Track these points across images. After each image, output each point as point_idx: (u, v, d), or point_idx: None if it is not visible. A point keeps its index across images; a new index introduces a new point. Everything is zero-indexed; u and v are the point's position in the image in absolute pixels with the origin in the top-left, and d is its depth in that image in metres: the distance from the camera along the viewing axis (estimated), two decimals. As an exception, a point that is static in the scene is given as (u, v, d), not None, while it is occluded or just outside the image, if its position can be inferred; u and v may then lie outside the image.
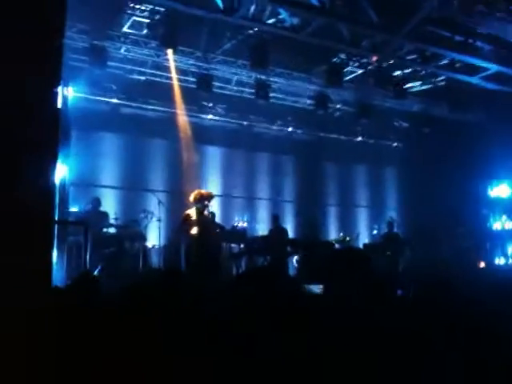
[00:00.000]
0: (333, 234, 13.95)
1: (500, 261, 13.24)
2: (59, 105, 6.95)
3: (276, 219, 11.58)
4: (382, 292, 4.11)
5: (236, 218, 12.40)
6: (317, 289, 3.39)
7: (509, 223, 13.53)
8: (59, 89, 6.50)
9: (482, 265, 11.98)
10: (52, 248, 6.30)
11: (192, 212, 9.03)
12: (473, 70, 11.07)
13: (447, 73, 11.40)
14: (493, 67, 10.73)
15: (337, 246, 11.22)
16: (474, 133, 13.17)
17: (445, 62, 10.95)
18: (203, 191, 9.35)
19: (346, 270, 2.87)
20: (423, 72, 11.97)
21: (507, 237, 13.36)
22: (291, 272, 10.88)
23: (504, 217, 13.59)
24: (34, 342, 2.16)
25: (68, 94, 9.34)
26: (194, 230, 8.80)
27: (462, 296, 3.95)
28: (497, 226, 13.77)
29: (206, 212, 9.10)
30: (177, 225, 9.45)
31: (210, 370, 2.10)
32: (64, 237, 7.98)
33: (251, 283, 3.24)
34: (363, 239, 13.79)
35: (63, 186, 8.49)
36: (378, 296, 4.13)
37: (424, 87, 12.68)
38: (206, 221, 9.01)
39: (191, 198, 9.08)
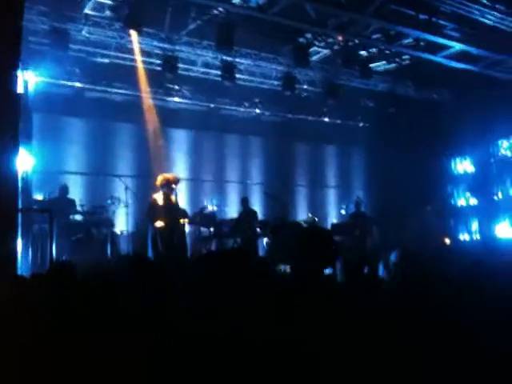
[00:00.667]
0: (302, 214, 14.04)
1: (464, 237, 13.57)
2: (19, 89, 6.76)
3: (245, 202, 11.60)
4: (350, 270, 4.18)
5: (205, 202, 12.36)
6: (285, 269, 3.41)
7: (472, 199, 13.84)
8: (19, 73, 6.31)
9: (447, 241, 12.24)
10: (16, 236, 6.18)
11: (159, 196, 8.98)
12: (437, 49, 11.18)
13: (411, 51, 11.48)
14: (456, 45, 10.84)
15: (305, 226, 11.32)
16: (438, 111, 13.39)
17: (409, 40, 11.02)
18: (169, 175, 9.29)
19: (310, 249, 2.88)
20: (388, 51, 12.03)
21: (471, 213, 13.67)
22: (261, 254, 10.94)
23: (468, 193, 13.90)
24: (4, 331, 2.12)
25: (29, 78, 9.08)
26: (160, 223, 8.74)
27: (429, 272, 4.03)
28: (461, 202, 14.09)
29: (173, 196, 9.05)
30: (145, 210, 9.38)
31: (184, 355, 2.08)
32: (29, 225, 7.82)
33: (220, 264, 3.23)
34: (331, 219, 13.94)
35: (26, 173, 8.30)
36: (347, 274, 4.20)
37: (389, 66, 12.77)
38: (172, 207, 8.97)
39: (157, 182, 9.03)
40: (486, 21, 9.98)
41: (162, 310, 2.28)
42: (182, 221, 9.51)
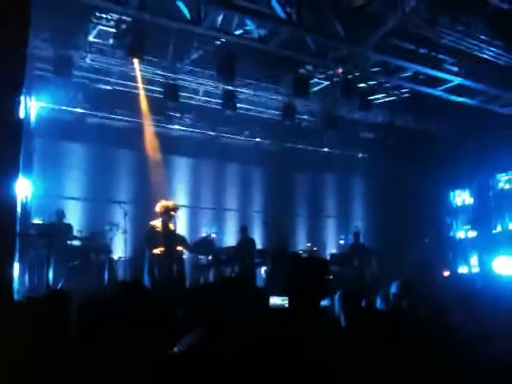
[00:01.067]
0: (302, 244, 14.00)
1: (463, 269, 13.50)
2: (21, 115, 6.82)
3: (244, 230, 11.57)
4: (347, 303, 4.14)
5: (204, 230, 12.34)
6: (283, 300, 3.38)
7: (471, 232, 13.83)
8: (21, 98, 6.37)
9: (447, 273, 12.19)
10: (13, 260, 6.15)
11: (157, 223, 8.97)
12: (436, 82, 11.31)
13: (411, 85, 11.62)
14: (455, 80, 10.98)
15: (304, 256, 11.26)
16: (438, 143, 13.48)
17: (409, 74, 11.16)
18: (168, 202, 9.29)
19: (306, 280, 2.87)
20: (388, 84, 12.17)
21: (469, 245, 13.64)
22: (260, 283, 10.86)
23: (467, 225, 13.90)
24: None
25: (31, 103, 9.16)
26: (157, 250, 8.72)
27: (428, 303, 4.01)
28: (460, 234, 14.07)
29: (171, 224, 9.04)
30: (143, 237, 9.36)
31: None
32: (27, 249, 7.79)
33: (218, 293, 3.21)
34: (330, 249, 13.89)
35: (26, 197, 8.31)
36: (345, 306, 4.16)
37: (389, 99, 12.90)
38: (170, 234, 8.95)
39: (156, 209, 9.02)
40: (485, 56, 10.13)
41: (158, 341, 2.26)
42: (180, 248, 9.49)
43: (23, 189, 7.75)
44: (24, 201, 8.01)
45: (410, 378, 2.38)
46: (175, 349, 2.18)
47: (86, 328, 2.40)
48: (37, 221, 9.56)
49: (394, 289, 4.43)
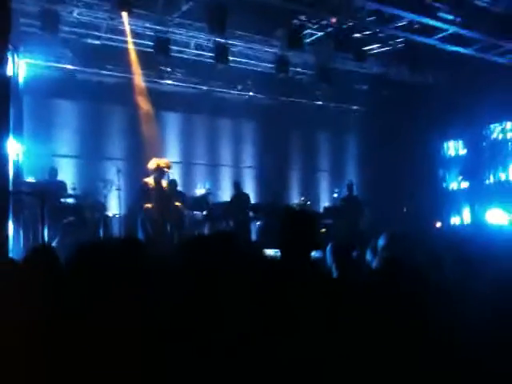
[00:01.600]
0: (295, 197, 14.07)
1: (456, 220, 13.63)
2: (9, 73, 6.70)
3: (237, 185, 11.60)
4: (339, 255, 4.21)
5: (197, 185, 12.36)
6: (276, 253, 3.43)
7: (463, 183, 13.88)
8: (8, 55, 6.26)
9: (439, 224, 12.31)
10: (7, 219, 6.19)
11: (150, 180, 9.00)
12: (431, 31, 11.13)
13: (405, 34, 11.43)
14: (450, 28, 10.81)
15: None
16: (432, 94, 13.37)
17: (403, 22, 10.97)
18: (160, 161, 9.29)
19: (298, 232, 2.91)
20: (382, 34, 11.97)
21: (462, 197, 13.70)
22: (254, 237, 10.98)
23: (459, 176, 13.93)
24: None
25: (19, 60, 8.99)
26: (149, 204, 8.78)
27: (418, 254, 4.07)
28: (453, 185, 14.13)
29: (163, 181, 9.07)
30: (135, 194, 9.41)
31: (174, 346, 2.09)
32: (20, 208, 7.81)
33: (208, 248, 3.24)
34: (324, 202, 13.98)
35: (17, 156, 8.26)
36: (336, 258, 4.23)
37: (383, 49, 12.71)
38: (162, 191, 8.99)
39: (149, 166, 9.04)
40: (481, 3, 9.94)
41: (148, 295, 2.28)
42: (177, 204, 9.55)
43: (14, 148, 7.69)
44: (16, 160, 7.96)
45: (401, 323, 2.42)
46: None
47: (78, 283, 2.42)
48: (29, 179, 9.54)
49: (381, 241, 4.48)
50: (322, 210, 12.59)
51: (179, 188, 10.60)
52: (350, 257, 4.19)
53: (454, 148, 14.32)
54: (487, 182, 13.32)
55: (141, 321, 2.13)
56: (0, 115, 6.00)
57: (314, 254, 3.78)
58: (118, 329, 2.04)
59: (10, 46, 6.89)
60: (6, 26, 6.18)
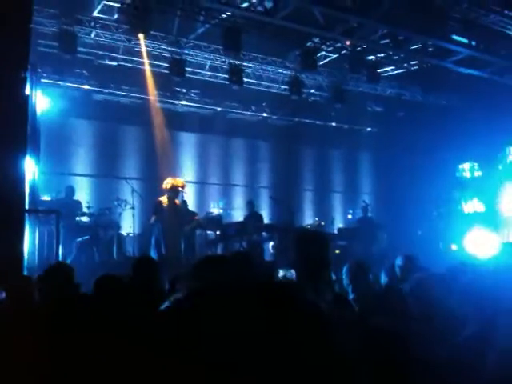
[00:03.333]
0: (309, 219, 14.02)
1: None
2: (27, 92, 6.80)
3: (251, 205, 11.58)
4: (355, 277, 4.17)
5: (211, 205, 12.36)
6: (291, 273, 3.41)
7: (478, 205, 13.71)
8: (27, 75, 6.34)
9: (454, 247, 12.16)
10: (23, 237, 6.21)
11: (164, 199, 9.04)
12: (445, 54, 11.15)
13: (420, 57, 11.47)
14: (464, 51, 10.82)
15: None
16: (446, 116, 13.34)
17: (417, 46, 11.01)
18: (175, 179, 9.35)
19: (309, 253, 2.88)
20: (397, 56, 12.02)
21: (477, 220, 13.50)
22: (268, 258, 10.92)
23: (475, 199, 13.78)
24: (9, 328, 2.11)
25: (37, 80, 9.12)
26: (164, 224, 8.80)
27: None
28: (468, 208, 13.97)
29: (177, 200, 9.10)
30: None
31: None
32: (36, 226, 7.85)
33: (228, 267, 3.22)
34: (338, 224, 13.89)
35: (34, 175, 8.33)
36: (353, 280, 4.18)
37: (397, 71, 12.75)
38: (176, 210, 9.02)
39: (163, 185, 9.09)
40: (495, 27, 9.96)
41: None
42: (191, 225, 9.59)
43: (31, 166, 7.77)
44: (32, 179, 8.03)
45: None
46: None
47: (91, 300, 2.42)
48: (45, 198, 9.62)
49: (399, 261, 4.45)
50: (336, 231, 12.51)
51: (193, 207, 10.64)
52: (367, 278, 4.14)
53: (470, 170, 14.21)
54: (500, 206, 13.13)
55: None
56: (17, 135, 6.07)
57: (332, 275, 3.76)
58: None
59: (29, 66, 7.00)
60: (26, 46, 6.29)
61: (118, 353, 1.57)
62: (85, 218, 10.02)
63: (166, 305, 1.39)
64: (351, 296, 4.00)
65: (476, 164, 14.09)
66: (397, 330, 1.95)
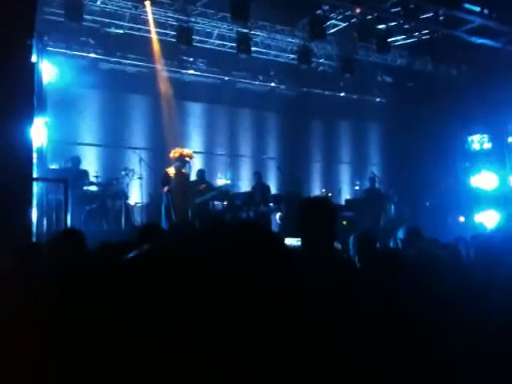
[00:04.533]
0: (316, 190, 14.01)
1: (479, 217, 13.33)
2: (33, 59, 6.75)
3: (258, 175, 11.58)
4: (361, 246, 4.17)
5: (218, 176, 12.36)
6: (297, 242, 3.41)
7: (487, 178, 13.55)
8: (33, 42, 6.29)
9: (462, 219, 12.13)
10: (31, 205, 6.25)
11: (171, 169, 9.07)
12: (457, 23, 10.95)
13: (431, 26, 11.27)
14: (476, 20, 10.62)
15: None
16: (456, 87, 13.16)
17: (429, 14, 10.80)
18: (182, 149, 9.37)
19: (315, 222, 2.86)
20: (407, 25, 11.81)
21: (485, 193, 13.37)
22: (274, 228, 10.95)
23: (483, 171, 13.63)
24: (14, 296, 2.12)
25: (43, 48, 9.06)
26: (172, 193, 8.86)
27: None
28: (476, 180, 13.83)
29: (184, 170, 9.14)
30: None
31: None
32: (44, 194, 7.90)
33: (234, 235, 3.21)
34: (345, 195, 13.88)
35: (41, 143, 8.34)
36: (359, 249, 4.18)
37: (408, 41, 12.55)
38: (183, 179, 9.06)
39: (171, 155, 9.11)
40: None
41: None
42: (201, 189, 9.64)
43: (38, 134, 7.77)
44: (39, 147, 8.04)
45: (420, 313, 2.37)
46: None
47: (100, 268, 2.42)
48: (53, 166, 9.65)
49: (401, 234, 4.44)
50: (343, 202, 12.50)
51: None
52: (373, 247, 4.14)
53: (479, 142, 14.05)
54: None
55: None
56: (24, 102, 6.05)
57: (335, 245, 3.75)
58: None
59: (35, 34, 6.94)
60: (31, 13, 6.23)
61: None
62: (92, 188, 10.06)
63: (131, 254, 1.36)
64: (357, 265, 4.00)
65: (485, 136, 13.92)
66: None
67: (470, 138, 14.15)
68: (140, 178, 10.43)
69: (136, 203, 10.91)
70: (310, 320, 2.17)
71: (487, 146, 13.88)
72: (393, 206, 12.31)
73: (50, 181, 8.15)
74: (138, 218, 10.65)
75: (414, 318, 2.25)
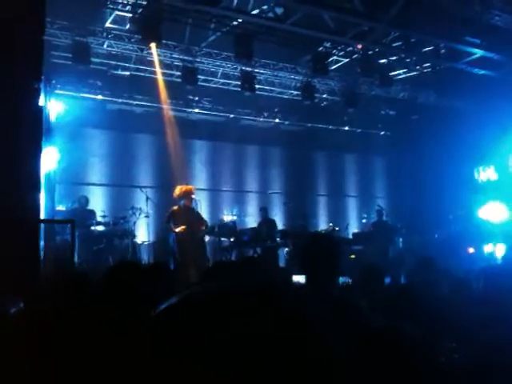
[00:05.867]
0: (323, 224, 13.96)
1: (488, 248, 13.18)
2: (41, 103, 6.86)
3: (264, 211, 11.57)
4: (370, 280, 4.12)
5: (225, 212, 12.37)
6: (303, 279, 3.38)
7: (494, 208, 13.46)
8: (40, 86, 6.40)
9: (472, 251, 12.00)
10: (39, 247, 6.25)
11: (178, 208, 9.07)
12: (458, 56, 11.07)
13: (432, 59, 11.40)
14: (477, 52, 10.73)
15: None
16: (460, 118, 13.21)
17: (429, 48, 10.94)
18: (184, 186, 9.38)
19: (318, 258, 2.84)
20: (408, 59, 11.96)
21: (493, 225, 13.25)
22: (282, 264, 10.88)
23: (491, 202, 13.55)
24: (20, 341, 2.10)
25: (51, 91, 9.24)
26: (178, 228, 8.83)
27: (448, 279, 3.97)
28: (484, 211, 13.74)
29: (191, 206, 9.14)
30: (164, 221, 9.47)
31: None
32: (51, 236, 7.92)
33: (241, 272, 3.20)
34: (353, 228, 13.82)
35: (49, 184, 8.42)
36: (364, 285, 4.14)
37: (410, 74, 12.68)
38: (192, 216, 9.05)
39: (175, 193, 9.13)
40: (507, 27, 9.86)
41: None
42: (202, 228, 9.58)
43: (46, 175, 7.85)
44: (48, 188, 8.11)
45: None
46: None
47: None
48: (60, 207, 9.71)
49: (413, 265, 4.41)
50: (351, 235, 12.44)
51: (206, 215, 10.65)
52: (383, 281, 4.10)
53: (485, 173, 14.01)
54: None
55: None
56: (33, 145, 6.12)
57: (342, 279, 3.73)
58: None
59: (42, 78, 7.07)
60: (38, 57, 6.36)
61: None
62: (100, 227, 10.08)
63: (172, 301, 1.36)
64: (365, 303, 3.95)
65: (492, 167, 13.90)
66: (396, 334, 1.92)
67: (476, 170, 14.13)
68: (147, 216, 10.45)
69: (143, 241, 10.91)
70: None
71: (494, 176, 13.84)
72: (401, 239, 12.22)
73: (57, 222, 8.18)
74: (145, 256, 10.63)
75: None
